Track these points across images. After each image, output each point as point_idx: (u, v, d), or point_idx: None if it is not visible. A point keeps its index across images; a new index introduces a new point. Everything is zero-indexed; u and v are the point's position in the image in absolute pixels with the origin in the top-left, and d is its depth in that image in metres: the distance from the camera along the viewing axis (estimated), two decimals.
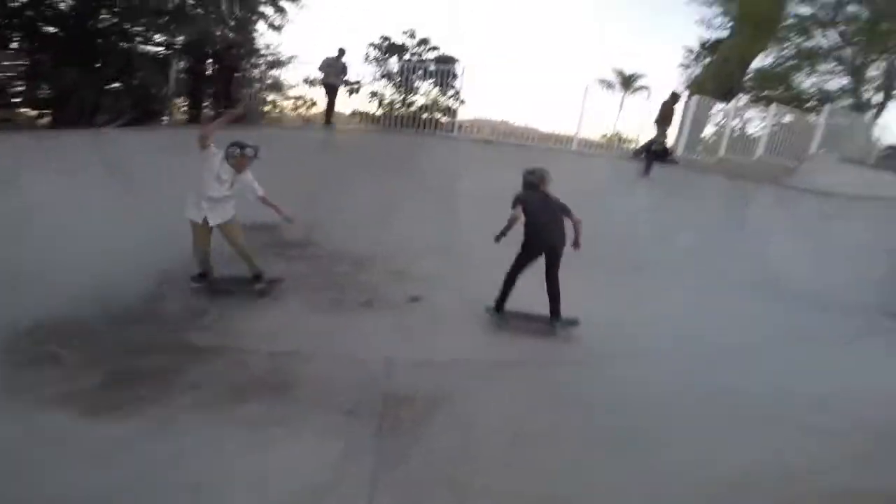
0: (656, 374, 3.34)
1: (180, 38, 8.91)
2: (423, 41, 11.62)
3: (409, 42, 11.53)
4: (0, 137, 4.72)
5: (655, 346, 3.82)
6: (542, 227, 3.78)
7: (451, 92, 10.96)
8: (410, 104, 11.00)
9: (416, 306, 4.28)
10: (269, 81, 10.30)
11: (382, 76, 11.29)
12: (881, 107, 16.58)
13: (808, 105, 15.96)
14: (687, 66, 20.90)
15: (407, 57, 11.40)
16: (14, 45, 7.63)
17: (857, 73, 16.86)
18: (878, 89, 16.93)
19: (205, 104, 9.63)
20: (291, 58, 10.48)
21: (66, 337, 3.07)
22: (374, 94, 11.00)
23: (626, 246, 6.10)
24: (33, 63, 7.58)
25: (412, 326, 3.86)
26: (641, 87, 20.86)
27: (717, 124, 11.22)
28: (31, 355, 2.87)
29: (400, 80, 11.02)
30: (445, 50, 11.51)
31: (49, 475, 2.00)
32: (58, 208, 4.19)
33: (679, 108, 9.09)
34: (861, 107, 15.77)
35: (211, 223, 3.77)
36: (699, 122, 9.76)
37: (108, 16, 8.10)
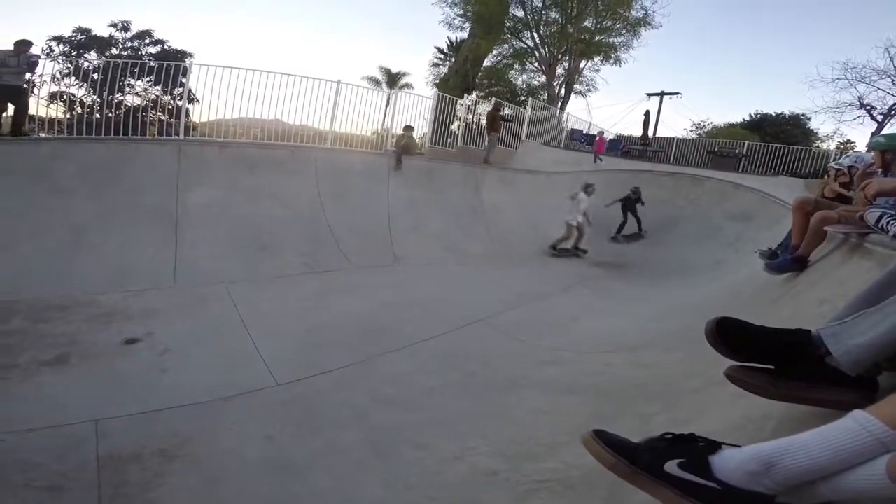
0: (407, 363, 3.64)
1: None
2: (143, 34, 9.71)
3: (120, 35, 9.49)
4: None
5: (408, 336, 4.14)
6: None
7: (179, 90, 9.52)
8: (118, 105, 9.04)
9: (134, 350, 3.56)
10: None
11: (72, 74, 9.05)
12: (565, 99, 22.22)
13: (521, 99, 20.03)
14: (436, 65, 23.72)
15: (115, 52, 9.40)
16: None
17: (549, 71, 22.03)
18: (562, 85, 22.56)
19: None
20: None
21: None
22: (55, 97, 8.57)
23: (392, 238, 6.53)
24: None
25: (130, 374, 3.21)
26: (406, 85, 22.55)
27: (458, 117, 13.03)
28: None
29: (101, 79, 8.90)
30: (177, 44, 9.86)
31: None
32: None
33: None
34: (553, 100, 20.69)
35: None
36: (444, 116, 11.02)
37: None
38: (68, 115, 8.57)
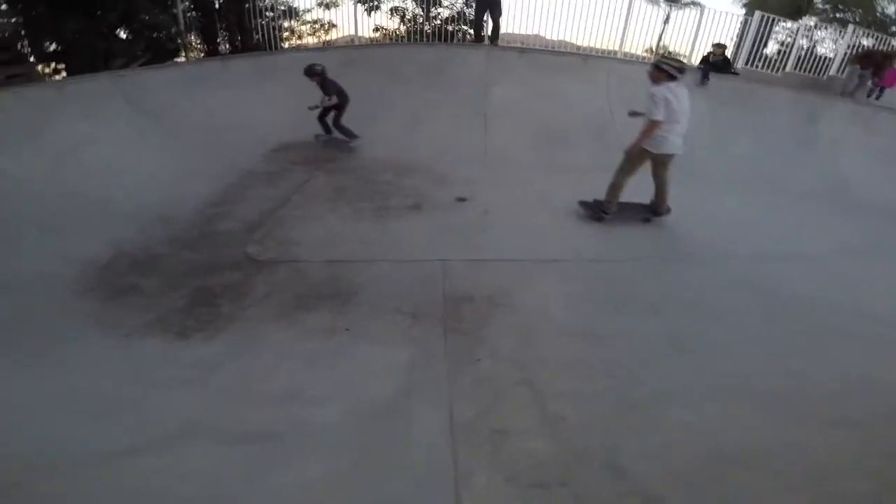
0: (719, 278, 3.40)
1: None
2: None
3: None
4: (21, 90, 4.69)
5: (716, 250, 3.86)
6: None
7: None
8: (434, 17, 10.65)
9: (464, 206, 4.43)
10: (281, 9, 9.98)
11: None
12: None
13: (892, 31, 14.44)
14: None
15: None
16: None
17: None
18: None
19: (218, 38, 9.56)
20: None
21: (140, 265, 3.24)
22: (394, 10, 10.68)
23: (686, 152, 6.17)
24: (32, 18, 7.53)
25: (463, 226, 4.00)
26: (693, 3, 19.32)
27: (780, 42, 10.84)
28: (114, 287, 3.01)
29: None
30: None
31: (154, 400, 2.06)
32: (97, 148, 4.32)
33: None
34: None
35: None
36: (761, 37, 9.34)
37: None
38: (403, 27, 10.63)
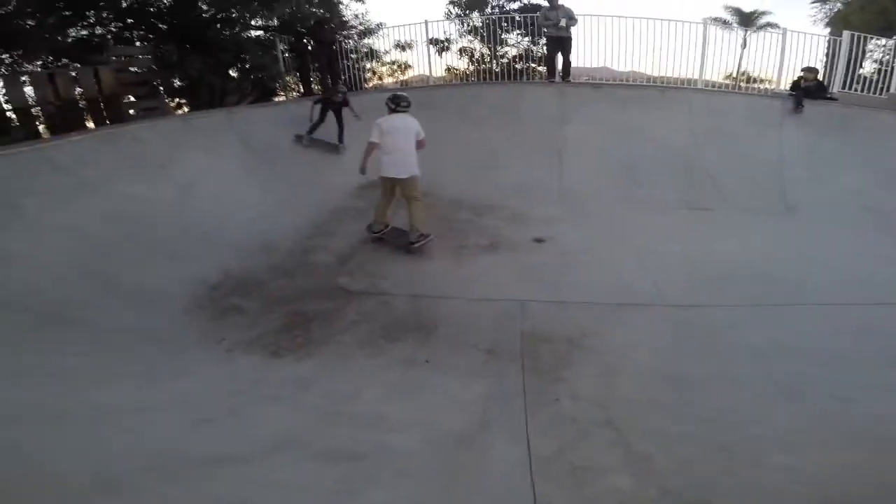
0: (828, 323, 3.15)
1: (274, 20, 9.82)
2: None
3: None
4: (156, 123, 5.50)
5: (813, 294, 3.58)
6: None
7: (543, 41, 10.73)
8: (501, 56, 10.95)
9: (542, 246, 4.49)
10: (364, 50, 10.79)
11: (468, 32, 11.55)
12: None
13: None
14: (825, 2, 18.06)
15: (488, 10, 11.36)
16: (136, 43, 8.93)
17: None
18: None
19: (311, 78, 10.48)
20: (380, 25, 11.09)
21: (243, 289, 3.63)
22: (462, 51, 11.16)
23: (784, 186, 5.83)
24: (161, 56, 8.78)
25: (539, 267, 4.04)
26: (767, 25, 18.32)
27: (876, 61, 9.97)
28: (220, 307, 3.37)
29: (485, 34, 10.99)
30: None
31: (251, 413, 2.21)
32: (213, 179, 4.89)
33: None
34: None
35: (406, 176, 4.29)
36: (854, 58, 8.63)
37: (204, 6, 9.19)
38: (471, 67, 11.10)
